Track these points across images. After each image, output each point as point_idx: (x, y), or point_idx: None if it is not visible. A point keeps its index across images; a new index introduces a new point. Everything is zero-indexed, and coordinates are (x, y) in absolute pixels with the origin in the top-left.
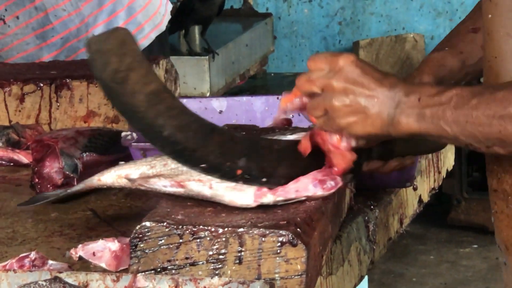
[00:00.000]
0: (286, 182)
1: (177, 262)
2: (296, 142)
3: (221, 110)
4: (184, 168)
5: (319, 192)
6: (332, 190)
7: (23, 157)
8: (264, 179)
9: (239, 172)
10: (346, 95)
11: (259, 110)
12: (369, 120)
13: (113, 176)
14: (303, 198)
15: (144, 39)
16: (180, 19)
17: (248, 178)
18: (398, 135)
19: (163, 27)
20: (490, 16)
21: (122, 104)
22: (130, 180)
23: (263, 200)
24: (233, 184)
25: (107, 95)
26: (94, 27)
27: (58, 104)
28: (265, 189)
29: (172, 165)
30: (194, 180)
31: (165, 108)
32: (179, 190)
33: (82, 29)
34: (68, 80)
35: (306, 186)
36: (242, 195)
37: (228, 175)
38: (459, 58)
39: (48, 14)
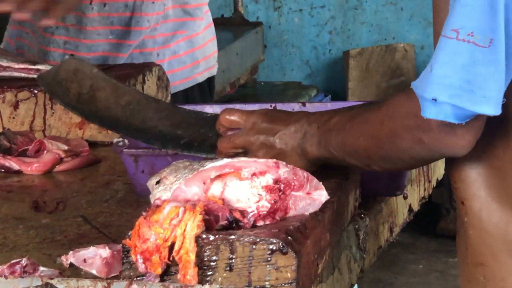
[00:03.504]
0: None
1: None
2: None
3: None
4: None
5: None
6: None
7: (14, 164)
8: None
9: None
10: (264, 145)
11: None
12: (288, 158)
13: None
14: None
15: (199, 75)
16: None
17: None
18: (311, 162)
19: (214, 71)
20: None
21: (100, 119)
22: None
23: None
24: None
25: (81, 115)
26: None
27: (53, 111)
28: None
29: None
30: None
31: (152, 111)
32: None
33: (149, 44)
34: None
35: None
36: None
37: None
38: None
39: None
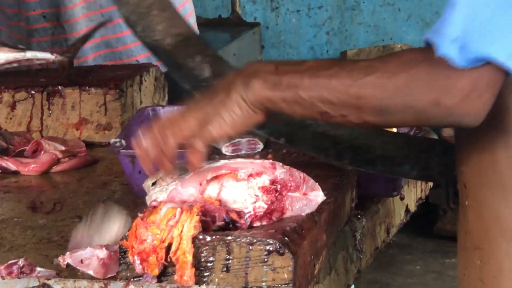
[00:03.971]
0: None
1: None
2: None
3: None
4: None
5: None
6: None
7: (11, 164)
8: None
9: None
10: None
11: None
12: (227, 102)
13: None
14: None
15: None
16: None
17: None
18: (252, 102)
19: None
20: None
21: (148, 38)
22: None
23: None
24: None
25: (133, 31)
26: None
27: (50, 111)
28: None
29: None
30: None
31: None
32: None
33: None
34: (60, 88)
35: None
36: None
37: None
38: None
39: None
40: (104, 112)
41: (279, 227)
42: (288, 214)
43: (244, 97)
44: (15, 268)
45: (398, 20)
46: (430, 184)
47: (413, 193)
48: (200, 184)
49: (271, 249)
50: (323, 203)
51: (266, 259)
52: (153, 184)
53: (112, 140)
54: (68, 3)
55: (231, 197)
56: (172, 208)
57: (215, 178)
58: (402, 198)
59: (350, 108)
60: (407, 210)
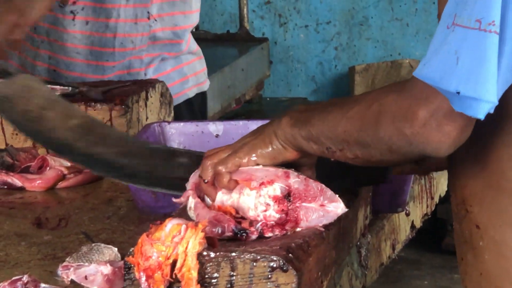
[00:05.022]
0: None
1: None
2: None
3: (218, 134)
4: None
5: None
6: None
7: (17, 180)
8: None
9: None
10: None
11: None
12: (261, 143)
13: None
14: None
15: (188, 90)
16: None
17: None
18: (281, 138)
19: (205, 87)
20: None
21: (44, 140)
22: None
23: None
24: None
25: (26, 134)
26: (148, 67)
27: None
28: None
29: None
30: None
31: (97, 138)
32: None
33: (136, 64)
34: None
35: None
36: None
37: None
38: None
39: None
40: None
41: (284, 244)
42: (303, 224)
43: (276, 132)
44: (19, 284)
45: (406, 36)
46: (436, 199)
47: (418, 209)
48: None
49: (274, 265)
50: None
51: (269, 276)
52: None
53: None
54: None
55: (246, 205)
56: (177, 224)
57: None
58: (407, 214)
59: (342, 142)
60: (412, 226)
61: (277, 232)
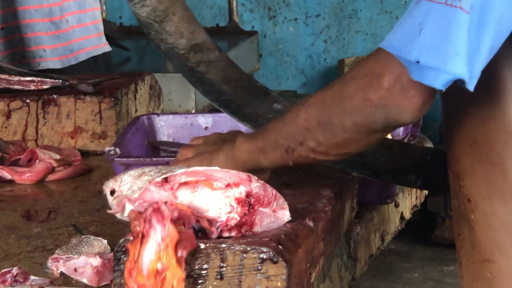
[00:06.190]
0: None
1: None
2: None
3: (207, 126)
4: None
5: None
6: None
7: (7, 173)
8: None
9: None
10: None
11: (244, 126)
12: (217, 156)
13: None
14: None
15: (105, 45)
16: None
17: None
18: (237, 158)
19: (108, 47)
20: None
21: (162, 42)
22: None
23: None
24: None
25: (148, 34)
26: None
27: (45, 120)
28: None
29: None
30: None
31: (209, 58)
32: None
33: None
34: (55, 96)
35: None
36: None
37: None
38: None
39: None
40: (99, 120)
41: (274, 235)
42: (256, 228)
43: (232, 155)
44: (8, 276)
45: None
46: (425, 191)
47: (408, 201)
48: (172, 189)
49: (264, 257)
50: (321, 211)
51: (259, 267)
52: (112, 193)
53: (107, 148)
54: None
55: (205, 205)
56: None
57: (186, 183)
58: (396, 206)
59: (303, 131)
60: (402, 218)
61: (233, 233)
